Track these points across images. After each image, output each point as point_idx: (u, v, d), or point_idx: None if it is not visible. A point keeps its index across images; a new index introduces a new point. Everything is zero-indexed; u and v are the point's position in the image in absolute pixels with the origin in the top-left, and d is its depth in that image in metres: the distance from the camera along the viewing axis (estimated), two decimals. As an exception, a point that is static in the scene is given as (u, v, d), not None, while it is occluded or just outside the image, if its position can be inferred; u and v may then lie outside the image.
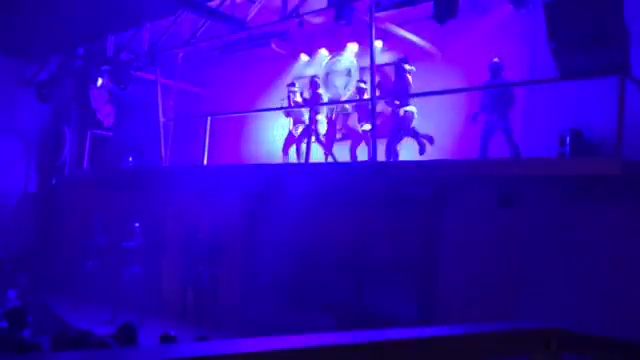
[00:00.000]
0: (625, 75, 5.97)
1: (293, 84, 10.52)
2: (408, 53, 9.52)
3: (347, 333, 1.63)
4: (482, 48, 8.68)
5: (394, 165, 8.33)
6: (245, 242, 10.17)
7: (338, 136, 10.20)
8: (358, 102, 9.85)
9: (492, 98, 7.83)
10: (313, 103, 9.98)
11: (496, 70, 7.85)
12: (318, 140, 9.90)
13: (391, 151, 8.59)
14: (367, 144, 9.30)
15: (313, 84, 10.21)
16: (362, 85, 9.46)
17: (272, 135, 11.33)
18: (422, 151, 8.61)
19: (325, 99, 10.44)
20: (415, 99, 8.73)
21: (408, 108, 8.64)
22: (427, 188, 8.23)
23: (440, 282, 8.06)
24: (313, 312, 8.90)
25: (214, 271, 9.96)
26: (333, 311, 8.81)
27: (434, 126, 8.92)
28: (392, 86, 9.11)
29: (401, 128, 8.66)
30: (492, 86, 7.97)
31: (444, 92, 8.73)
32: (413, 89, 8.75)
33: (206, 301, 9.96)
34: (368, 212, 8.98)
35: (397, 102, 8.75)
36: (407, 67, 8.70)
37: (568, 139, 6.98)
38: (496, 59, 7.91)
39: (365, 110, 9.26)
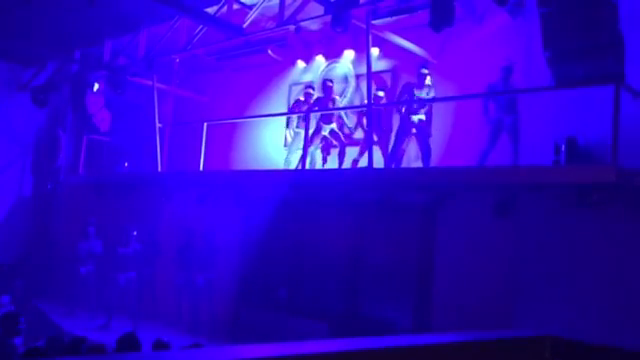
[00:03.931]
0: (620, 84, 6.00)
1: (312, 87, 10.24)
2: (404, 61, 9.55)
3: (342, 340, 1.63)
4: (478, 56, 8.71)
5: (390, 172, 8.34)
6: (240, 248, 10.16)
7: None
8: (354, 108, 9.86)
9: (504, 97, 7.86)
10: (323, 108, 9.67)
11: (507, 72, 7.88)
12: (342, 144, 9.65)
13: (395, 156, 8.59)
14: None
15: (327, 89, 9.73)
16: (379, 93, 9.32)
17: (275, 141, 11.26)
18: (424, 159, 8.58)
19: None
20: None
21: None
22: (423, 195, 8.23)
23: (436, 289, 8.05)
24: (308, 319, 8.88)
25: (209, 277, 9.94)
26: (328, 318, 8.79)
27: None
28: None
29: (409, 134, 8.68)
30: (487, 94, 7.99)
31: (439, 100, 8.75)
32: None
33: (201, 307, 9.93)
34: (364, 219, 8.98)
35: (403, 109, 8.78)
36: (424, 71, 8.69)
37: (563, 147, 6.99)
38: (507, 62, 7.92)
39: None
